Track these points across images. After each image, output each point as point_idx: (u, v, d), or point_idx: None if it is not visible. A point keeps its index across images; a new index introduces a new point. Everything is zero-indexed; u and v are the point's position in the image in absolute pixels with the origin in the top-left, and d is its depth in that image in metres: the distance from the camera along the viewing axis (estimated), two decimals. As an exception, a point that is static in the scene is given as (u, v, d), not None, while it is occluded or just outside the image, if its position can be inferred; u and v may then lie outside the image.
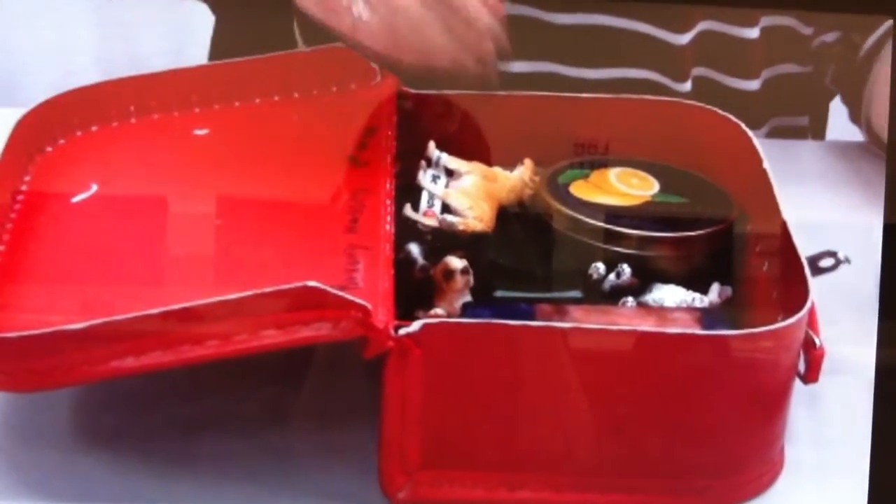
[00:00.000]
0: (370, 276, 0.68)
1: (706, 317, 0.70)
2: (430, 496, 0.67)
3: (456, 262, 0.69)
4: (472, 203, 0.73)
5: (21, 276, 0.69)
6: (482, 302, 0.69)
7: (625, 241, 0.73)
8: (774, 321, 0.65)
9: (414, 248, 0.72)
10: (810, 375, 0.68)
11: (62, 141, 0.79)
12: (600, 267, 0.73)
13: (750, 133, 0.78)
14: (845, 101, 0.98)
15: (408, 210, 0.73)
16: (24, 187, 0.75)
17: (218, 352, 0.63)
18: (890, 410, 0.70)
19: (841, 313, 0.72)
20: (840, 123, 0.99)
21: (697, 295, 0.72)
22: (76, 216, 0.74)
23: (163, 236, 0.73)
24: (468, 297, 0.70)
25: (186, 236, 0.73)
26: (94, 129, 0.80)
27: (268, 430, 0.72)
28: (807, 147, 1.01)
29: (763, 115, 1.01)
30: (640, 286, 0.72)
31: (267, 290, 0.62)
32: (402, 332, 0.63)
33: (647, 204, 0.76)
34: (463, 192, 0.74)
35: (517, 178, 0.76)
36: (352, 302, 0.63)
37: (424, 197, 0.74)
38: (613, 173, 0.79)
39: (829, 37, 0.98)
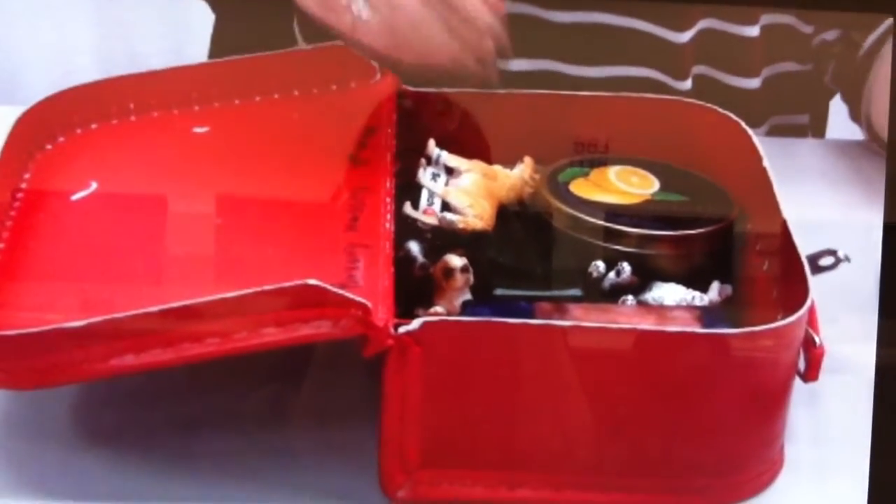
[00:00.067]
0: (370, 275, 0.68)
1: (706, 315, 0.70)
2: (430, 495, 0.67)
3: (456, 261, 0.69)
4: (472, 201, 0.73)
5: (21, 274, 0.69)
6: (482, 300, 0.69)
7: (625, 239, 0.73)
8: (774, 320, 0.65)
9: (414, 247, 0.72)
10: (810, 374, 0.68)
11: (62, 139, 0.79)
12: (600, 265, 0.73)
13: (750, 131, 0.78)
14: (845, 100, 0.98)
15: (408, 208, 0.73)
16: (23, 185, 0.75)
17: (218, 350, 0.63)
18: (890, 409, 0.70)
19: (841, 312, 0.72)
20: (840, 122, 0.99)
21: (697, 293, 0.72)
22: (76, 214, 0.74)
23: (162, 234, 0.73)
24: (468, 296, 0.70)
25: (186, 234, 0.73)
26: (93, 126, 0.80)
27: (268, 429, 0.72)
28: (807, 145, 1.01)
29: (763, 113, 1.01)
30: (640, 284, 0.72)
31: (267, 287, 0.62)
32: (402, 330, 0.63)
33: (646, 202, 0.76)
34: (463, 191, 0.74)
35: (517, 176, 0.76)
36: (352, 300, 0.63)
37: (424, 195, 0.74)
38: (613, 171, 0.79)
39: (829, 35, 0.97)
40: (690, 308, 0.71)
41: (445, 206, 0.73)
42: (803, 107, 1.04)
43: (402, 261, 0.70)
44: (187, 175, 0.77)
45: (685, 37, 0.96)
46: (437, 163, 0.76)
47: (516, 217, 0.75)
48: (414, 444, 0.66)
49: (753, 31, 0.97)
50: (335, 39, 0.85)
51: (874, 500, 0.69)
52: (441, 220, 0.72)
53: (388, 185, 0.74)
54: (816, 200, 0.89)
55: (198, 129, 0.81)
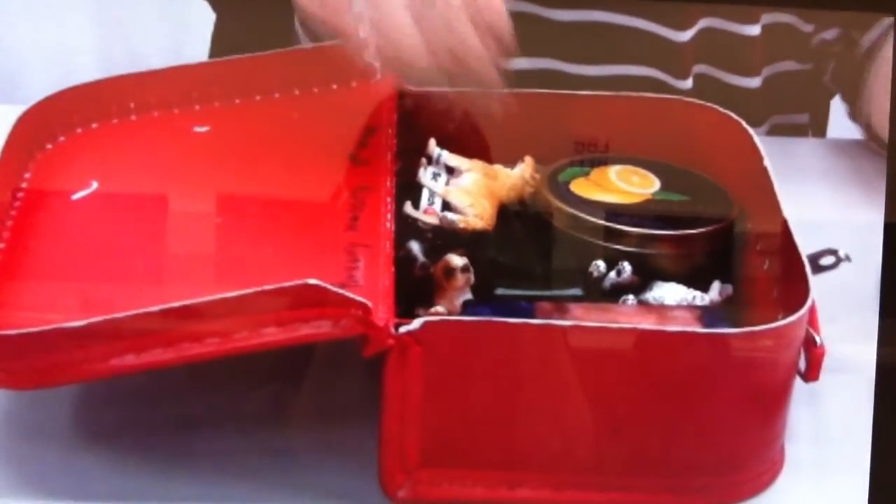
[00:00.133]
0: (370, 274, 0.68)
1: (707, 315, 0.70)
2: (430, 494, 0.67)
3: (456, 260, 0.69)
4: (473, 201, 0.73)
5: (21, 274, 0.69)
6: (482, 300, 0.69)
7: (625, 238, 0.73)
8: (775, 319, 0.65)
9: (414, 246, 0.72)
10: (811, 374, 0.68)
11: (62, 138, 0.79)
12: (601, 265, 0.73)
13: (751, 131, 0.78)
14: (844, 99, 0.98)
15: (408, 208, 0.73)
16: (24, 184, 0.75)
17: (218, 349, 0.63)
18: (890, 409, 0.70)
19: (841, 311, 0.72)
20: (841, 121, 0.99)
21: (698, 293, 0.72)
22: (76, 213, 0.74)
23: (163, 234, 0.73)
24: (468, 295, 0.70)
25: (186, 234, 0.73)
26: (94, 126, 0.80)
27: (268, 428, 0.72)
28: (807, 145, 1.01)
29: (764, 112, 1.01)
30: (640, 284, 0.72)
31: (267, 287, 0.62)
32: (403, 329, 0.63)
33: (647, 202, 0.76)
34: (463, 190, 0.74)
35: (518, 175, 0.76)
36: (352, 300, 0.63)
37: (425, 195, 0.74)
38: (614, 171, 0.79)
39: (829, 34, 0.97)
40: (691, 308, 0.71)
41: (446, 206, 0.73)
42: (804, 106, 1.04)
43: (403, 260, 0.69)
44: (188, 174, 0.77)
45: (686, 36, 0.96)
46: (437, 162, 0.76)
47: (517, 217, 0.75)
48: (414, 443, 0.66)
49: (754, 30, 0.97)
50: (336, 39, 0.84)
51: (875, 500, 0.69)
52: (442, 219, 0.72)
53: (388, 184, 0.74)
54: (817, 200, 0.89)
55: (198, 129, 0.81)
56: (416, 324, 0.63)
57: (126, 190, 0.76)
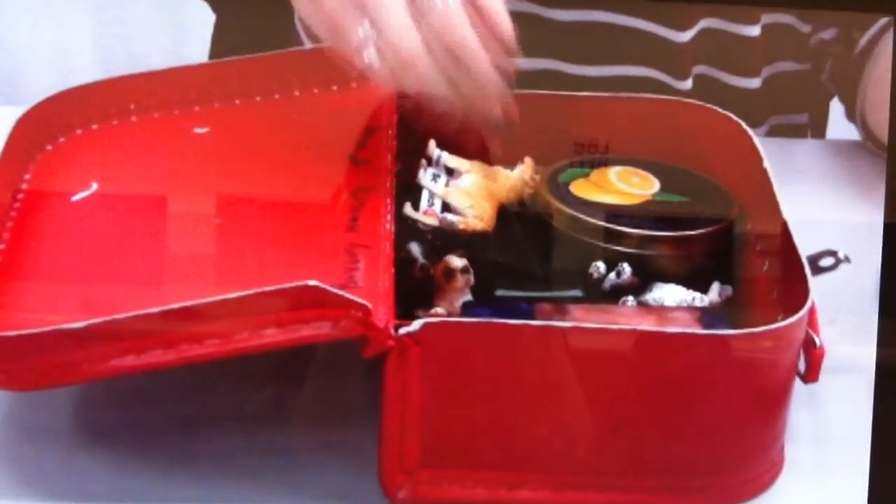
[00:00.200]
0: (370, 276, 0.68)
1: (706, 316, 0.70)
2: (430, 495, 0.67)
3: (456, 261, 0.69)
4: (473, 202, 0.73)
5: (21, 275, 0.69)
6: (482, 301, 0.69)
7: (625, 240, 0.73)
8: (774, 320, 0.65)
9: (414, 248, 0.72)
10: (810, 375, 0.68)
11: (62, 139, 0.79)
12: (600, 266, 0.73)
13: (750, 132, 0.78)
14: (841, 99, 0.98)
15: (408, 209, 0.73)
16: (24, 186, 0.75)
17: (218, 351, 0.63)
18: (890, 410, 0.70)
19: (841, 313, 0.72)
20: (840, 122, 0.99)
21: (698, 294, 0.72)
22: (76, 215, 0.74)
23: (163, 235, 0.73)
24: (468, 297, 0.70)
25: (187, 235, 0.73)
26: (94, 127, 0.80)
27: (268, 429, 0.72)
28: (807, 146, 1.01)
29: (763, 113, 1.01)
30: (640, 285, 0.72)
31: (267, 288, 0.62)
32: (402, 331, 0.63)
33: (647, 203, 0.76)
34: (463, 191, 0.74)
35: (517, 177, 0.76)
36: (352, 301, 0.63)
37: (425, 196, 0.74)
38: (614, 172, 0.79)
39: (827, 34, 0.98)
40: (691, 309, 0.71)
41: (446, 207, 0.73)
42: (803, 107, 1.04)
43: (403, 262, 0.69)
44: (188, 175, 0.77)
45: (686, 36, 0.96)
46: (437, 163, 0.76)
47: (517, 218, 0.75)
48: (414, 444, 0.66)
49: (754, 30, 0.97)
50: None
51: (874, 501, 0.69)
52: (441, 220, 0.72)
53: (388, 185, 0.74)
54: (817, 201, 0.89)
55: (198, 130, 0.81)
56: (415, 325, 0.63)
57: (126, 191, 0.76)
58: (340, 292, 0.63)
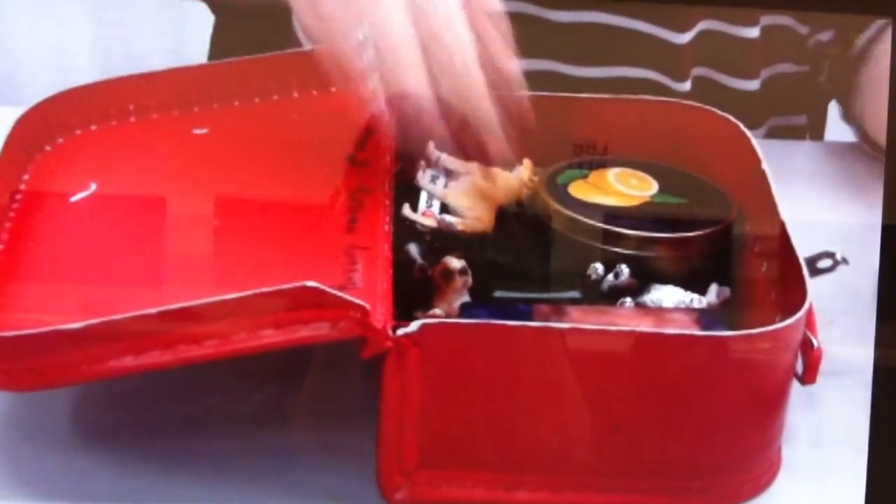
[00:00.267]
0: (369, 277, 0.68)
1: (704, 317, 0.70)
2: (428, 496, 0.67)
3: (455, 263, 0.69)
4: (471, 203, 0.73)
5: (20, 276, 0.69)
6: (481, 302, 0.70)
7: (623, 241, 0.73)
8: (772, 322, 0.65)
9: (413, 249, 0.72)
10: (808, 376, 0.68)
11: (61, 140, 0.79)
12: (599, 267, 0.73)
13: (749, 134, 0.78)
14: (838, 100, 0.98)
15: (406, 210, 0.73)
16: (22, 186, 0.75)
17: (217, 351, 0.63)
18: (887, 411, 0.70)
19: (839, 314, 0.72)
20: (839, 123, 0.99)
21: (696, 296, 0.72)
22: (75, 215, 0.74)
23: (161, 236, 0.73)
24: (467, 298, 0.70)
25: (185, 236, 0.73)
26: (93, 128, 0.80)
27: (266, 430, 0.72)
28: (805, 147, 1.01)
29: (762, 114, 1.01)
30: (638, 287, 0.72)
31: (266, 289, 0.62)
32: (401, 332, 0.63)
33: (645, 204, 0.76)
34: (462, 193, 0.74)
35: (516, 178, 0.76)
36: (350, 302, 0.63)
37: (423, 197, 0.74)
38: (612, 174, 0.79)
39: (825, 36, 0.98)
40: (689, 310, 0.71)
41: (444, 209, 0.73)
42: (802, 108, 1.04)
43: (401, 263, 0.70)
44: (186, 176, 0.77)
45: (685, 38, 0.96)
46: (436, 164, 0.76)
47: (515, 219, 0.75)
48: (412, 445, 0.66)
49: (754, 32, 0.97)
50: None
51: (872, 502, 0.69)
52: (440, 222, 0.72)
53: (386, 186, 0.74)
54: (815, 203, 0.89)
55: (197, 131, 0.81)
56: (414, 326, 0.63)
57: (125, 192, 0.76)
58: (339, 293, 0.63)
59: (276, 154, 0.78)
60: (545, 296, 0.71)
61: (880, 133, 0.92)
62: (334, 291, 0.63)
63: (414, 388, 0.64)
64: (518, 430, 0.67)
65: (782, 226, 0.71)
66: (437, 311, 0.69)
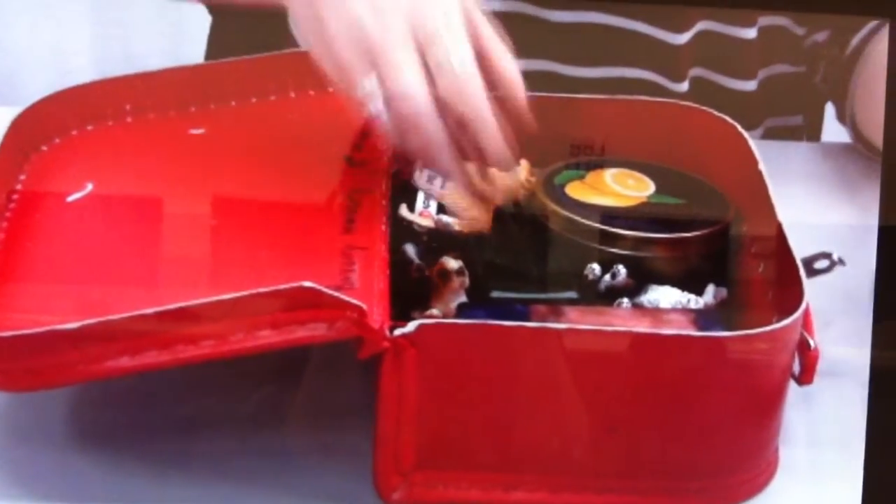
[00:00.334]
0: (366, 277, 0.68)
1: (701, 318, 0.70)
2: (425, 497, 0.67)
3: (452, 263, 0.69)
4: (468, 204, 0.73)
5: (16, 276, 0.69)
6: (478, 302, 0.70)
7: (620, 242, 0.73)
8: (769, 323, 0.65)
9: (410, 249, 0.72)
10: (805, 377, 0.68)
11: (58, 140, 0.79)
12: (596, 268, 0.73)
13: (746, 134, 0.78)
14: (833, 100, 0.98)
15: (403, 210, 0.73)
16: (19, 186, 0.75)
17: (213, 352, 0.63)
18: (884, 412, 0.70)
19: (836, 315, 0.72)
20: (836, 125, 0.99)
21: (693, 296, 0.72)
22: (72, 215, 0.74)
23: (158, 236, 0.73)
24: (464, 298, 0.70)
25: (182, 236, 0.73)
26: (89, 128, 0.80)
27: (263, 430, 0.72)
28: (802, 148, 1.01)
29: (759, 115, 1.01)
30: (635, 287, 0.72)
31: (262, 290, 0.62)
32: (398, 332, 0.63)
33: (642, 205, 0.76)
34: (459, 193, 0.74)
35: (513, 179, 0.76)
36: (347, 302, 0.63)
37: (420, 197, 0.74)
38: (609, 174, 0.79)
39: (820, 36, 0.98)
40: (686, 311, 0.71)
41: (441, 209, 0.73)
42: (799, 109, 1.04)
43: (398, 263, 0.70)
44: (183, 177, 0.77)
45: (682, 38, 0.96)
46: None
47: (512, 220, 0.75)
48: (409, 446, 0.66)
49: (751, 33, 0.97)
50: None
51: (868, 502, 0.69)
52: (437, 222, 0.72)
53: (384, 187, 0.74)
54: (812, 203, 0.89)
55: (194, 131, 0.81)
56: (411, 326, 0.63)
57: (121, 192, 0.76)
58: (336, 293, 0.63)
59: (273, 154, 0.78)
60: (542, 296, 0.72)
61: (873, 133, 0.92)
62: (331, 292, 0.63)
63: (411, 388, 0.64)
64: (515, 431, 0.67)
65: (779, 226, 0.71)
66: (434, 311, 0.69)
